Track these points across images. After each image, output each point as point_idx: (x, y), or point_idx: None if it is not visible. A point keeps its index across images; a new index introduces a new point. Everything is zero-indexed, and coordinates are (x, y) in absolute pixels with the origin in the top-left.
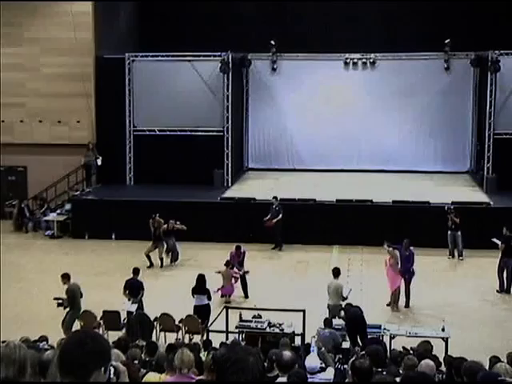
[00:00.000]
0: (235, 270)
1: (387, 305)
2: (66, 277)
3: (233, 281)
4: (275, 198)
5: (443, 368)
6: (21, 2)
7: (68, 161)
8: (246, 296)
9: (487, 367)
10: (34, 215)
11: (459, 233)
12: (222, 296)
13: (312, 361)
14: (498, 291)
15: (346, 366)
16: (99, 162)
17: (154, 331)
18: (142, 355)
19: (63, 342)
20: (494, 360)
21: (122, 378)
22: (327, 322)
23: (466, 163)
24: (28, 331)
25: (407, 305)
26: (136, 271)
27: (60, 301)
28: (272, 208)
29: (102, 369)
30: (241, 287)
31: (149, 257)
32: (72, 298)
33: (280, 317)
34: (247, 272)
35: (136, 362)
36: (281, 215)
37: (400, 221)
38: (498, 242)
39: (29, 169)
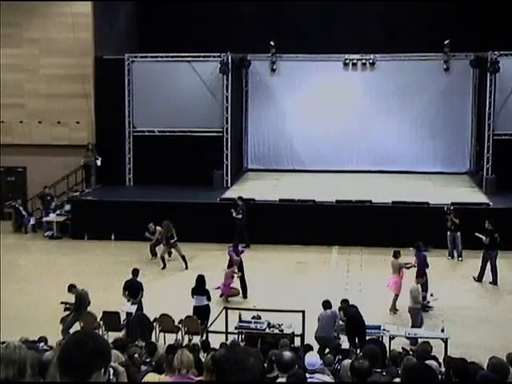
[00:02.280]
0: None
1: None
2: (72, 287)
3: (230, 279)
4: (240, 198)
5: (442, 369)
6: (20, 2)
7: (67, 161)
8: (245, 296)
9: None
10: (33, 215)
11: (459, 233)
12: (221, 295)
13: (312, 357)
14: (474, 279)
15: (339, 367)
16: (99, 162)
17: (154, 332)
18: (137, 355)
19: (64, 341)
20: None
21: (121, 379)
22: (326, 304)
23: (465, 164)
24: (27, 332)
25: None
26: (135, 272)
27: (67, 305)
28: (237, 206)
29: (102, 370)
30: (240, 288)
31: (163, 258)
32: (79, 303)
33: (279, 318)
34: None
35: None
36: (240, 215)
37: (399, 221)
38: (482, 237)
39: (28, 169)
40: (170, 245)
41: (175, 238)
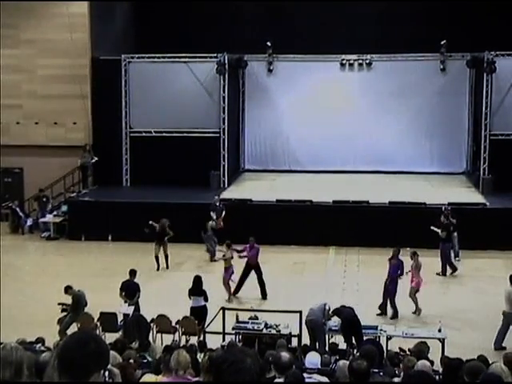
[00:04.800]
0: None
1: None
2: (68, 288)
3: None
4: (218, 195)
5: (436, 367)
6: (17, 3)
7: (64, 162)
8: (264, 297)
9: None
10: (30, 216)
11: (455, 234)
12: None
13: (313, 357)
14: (439, 274)
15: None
16: (95, 159)
17: (151, 333)
18: (132, 360)
19: (64, 341)
20: (482, 358)
21: (117, 381)
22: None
23: (461, 164)
24: (24, 333)
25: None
26: (132, 273)
27: (64, 306)
28: (216, 206)
29: (102, 371)
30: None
31: (157, 258)
32: (76, 304)
33: (277, 318)
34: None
35: (132, 361)
36: (224, 212)
37: (396, 222)
38: (438, 230)
39: (25, 170)
40: (161, 243)
41: (167, 237)
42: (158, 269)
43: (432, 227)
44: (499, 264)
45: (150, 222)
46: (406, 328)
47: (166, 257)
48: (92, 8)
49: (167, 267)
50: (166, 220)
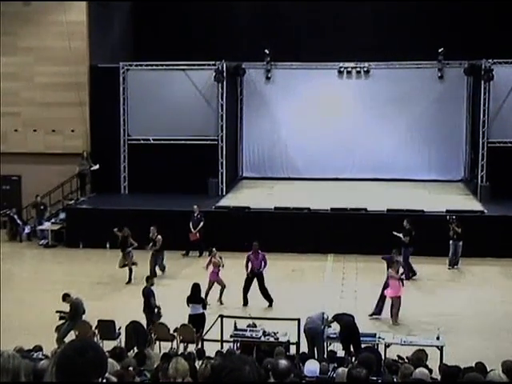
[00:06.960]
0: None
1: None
2: (66, 295)
3: (211, 268)
4: (197, 205)
5: (434, 375)
6: (15, 10)
7: (62, 170)
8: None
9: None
10: (28, 224)
11: (460, 243)
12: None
13: (311, 365)
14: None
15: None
16: (97, 166)
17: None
18: (132, 368)
19: (62, 348)
20: (480, 366)
21: None
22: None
23: (459, 172)
24: (22, 341)
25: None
26: (147, 279)
27: (62, 314)
28: (193, 216)
29: (99, 379)
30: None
31: (130, 270)
32: (74, 311)
33: (275, 326)
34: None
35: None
36: (202, 223)
37: (394, 229)
38: (400, 235)
39: (23, 178)
40: (125, 253)
41: (130, 248)
42: (129, 281)
43: (394, 232)
44: (497, 271)
45: (115, 230)
46: (404, 336)
47: (126, 266)
48: (90, 16)
49: (129, 281)
50: (127, 229)
